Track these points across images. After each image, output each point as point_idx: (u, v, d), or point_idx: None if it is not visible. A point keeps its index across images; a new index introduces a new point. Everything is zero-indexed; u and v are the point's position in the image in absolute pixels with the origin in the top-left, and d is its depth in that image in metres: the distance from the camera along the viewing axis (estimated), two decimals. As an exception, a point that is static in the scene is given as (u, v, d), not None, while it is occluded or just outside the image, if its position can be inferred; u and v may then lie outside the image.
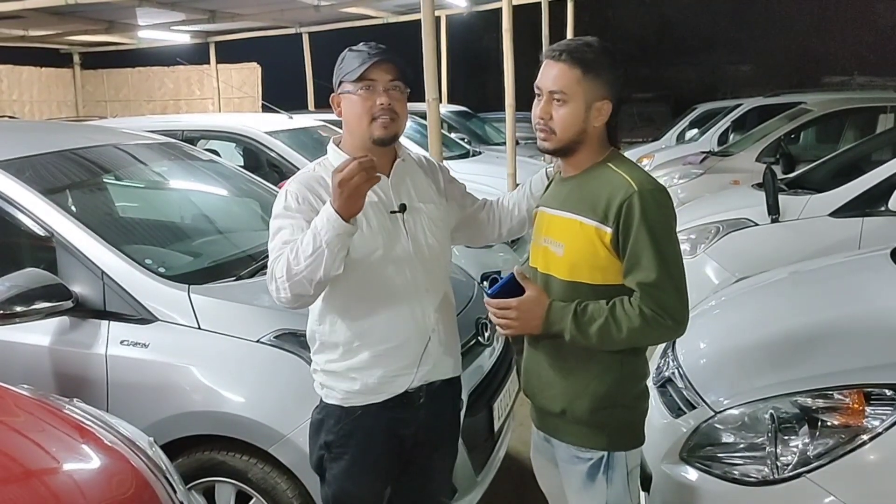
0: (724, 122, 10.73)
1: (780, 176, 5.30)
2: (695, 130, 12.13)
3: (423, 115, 4.32)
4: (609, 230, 1.75)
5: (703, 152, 8.71)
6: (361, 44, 1.97)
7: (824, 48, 23.49)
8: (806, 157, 7.10)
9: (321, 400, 2.04)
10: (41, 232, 2.61)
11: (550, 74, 1.81)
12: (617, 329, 1.75)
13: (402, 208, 1.99)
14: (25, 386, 2.10)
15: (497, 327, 1.92)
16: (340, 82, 1.96)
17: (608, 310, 1.76)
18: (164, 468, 1.93)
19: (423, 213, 2.03)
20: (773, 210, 4.40)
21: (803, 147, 8.35)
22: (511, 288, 1.86)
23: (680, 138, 12.40)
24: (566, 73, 1.78)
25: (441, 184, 2.16)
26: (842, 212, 4.25)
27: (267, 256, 1.92)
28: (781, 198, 4.46)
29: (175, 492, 1.87)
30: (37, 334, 2.51)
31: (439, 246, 2.07)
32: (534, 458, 2.14)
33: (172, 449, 2.30)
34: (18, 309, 2.35)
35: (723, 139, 10.27)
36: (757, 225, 4.50)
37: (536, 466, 2.15)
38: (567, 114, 1.79)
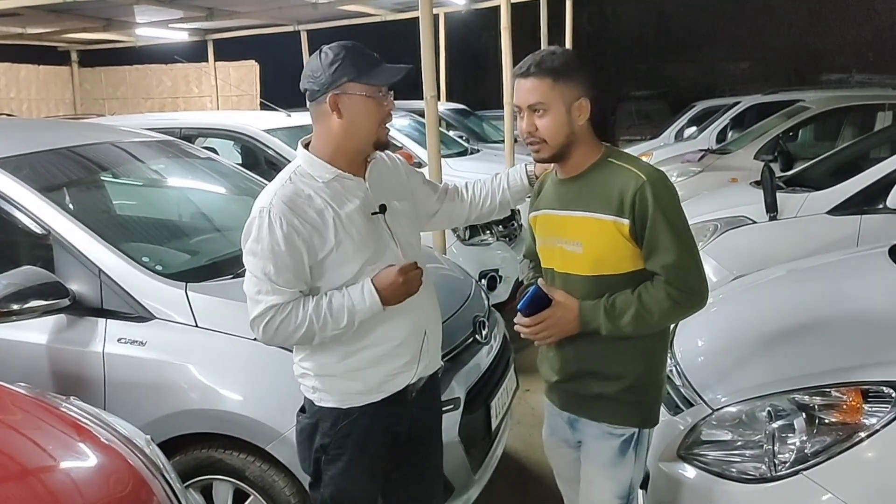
0: (723, 120, 10.73)
1: (778, 174, 5.29)
2: (693, 128, 12.11)
3: (422, 113, 4.31)
4: (626, 221, 1.84)
5: (702, 150, 8.72)
6: (354, 44, 1.90)
7: (823, 46, 23.48)
8: (804, 154, 7.08)
9: (311, 405, 2.03)
10: (38, 230, 2.60)
11: (524, 91, 1.90)
12: (648, 314, 1.85)
13: (383, 209, 1.97)
14: (22, 384, 2.09)
15: (535, 342, 1.98)
16: (345, 82, 1.85)
17: (636, 298, 1.86)
18: (162, 466, 1.93)
19: (399, 211, 2.02)
20: (771, 208, 4.40)
21: (801, 145, 8.34)
22: (539, 300, 1.92)
23: (678, 136, 12.39)
24: (538, 85, 1.87)
25: (404, 178, 2.14)
26: (840, 209, 4.25)
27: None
28: (779, 195, 4.46)
29: (172, 490, 1.87)
30: (34, 332, 2.50)
31: (417, 242, 2.09)
32: (548, 442, 2.22)
33: (170, 447, 2.30)
34: (15, 307, 2.35)
35: (721, 137, 10.27)
36: (755, 223, 4.50)
37: (551, 448, 2.22)
38: (551, 121, 1.89)
